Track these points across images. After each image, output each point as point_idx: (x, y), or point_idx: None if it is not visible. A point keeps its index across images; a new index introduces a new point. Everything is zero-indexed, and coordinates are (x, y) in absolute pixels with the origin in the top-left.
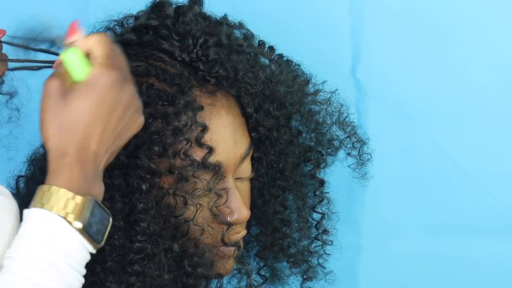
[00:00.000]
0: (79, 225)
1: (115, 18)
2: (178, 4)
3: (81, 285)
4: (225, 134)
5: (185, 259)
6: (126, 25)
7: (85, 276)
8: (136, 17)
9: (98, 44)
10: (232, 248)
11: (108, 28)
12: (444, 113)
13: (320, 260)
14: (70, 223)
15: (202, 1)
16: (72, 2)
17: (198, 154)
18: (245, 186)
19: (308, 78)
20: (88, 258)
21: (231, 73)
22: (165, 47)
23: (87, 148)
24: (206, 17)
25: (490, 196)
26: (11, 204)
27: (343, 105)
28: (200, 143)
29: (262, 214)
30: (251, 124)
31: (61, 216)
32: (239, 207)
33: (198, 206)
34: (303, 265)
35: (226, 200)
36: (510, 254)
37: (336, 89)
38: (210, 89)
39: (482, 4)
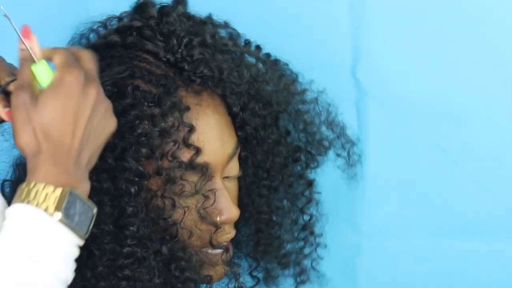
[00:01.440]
0: (59, 215)
1: (99, 20)
2: (162, 5)
3: (70, 279)
4: (212, 134)
5: (172, 262)
6: (109, 26)
7: (76, 282)
8: (120, 18)
9: (55, 53)
10: (220, 251)
11: (91, 30)
12: (444, 113)
13: (316, 262)
14: (51, 215)
15: (186, 1)
16: (72, 2)
17: (185, 155)
18: (233, 185)
19: (295, 77)
20: (76, 252)
21: (216, 72)
22: (150, 48)
23: (61, 144)
24: (190, 17)
25: (490, 196)
26: (1, 203)
27: (330, 104)
28: (187, 144)
29: (249, 214)
30: (238, 123)
31: (42, 209)
32: (228, 207)
33: (186, 208)
34: (296, 268)
35: (214, 201)
36: (510, 254)
37: (324, 89)
38: (195, 89)
39: (482, 4)
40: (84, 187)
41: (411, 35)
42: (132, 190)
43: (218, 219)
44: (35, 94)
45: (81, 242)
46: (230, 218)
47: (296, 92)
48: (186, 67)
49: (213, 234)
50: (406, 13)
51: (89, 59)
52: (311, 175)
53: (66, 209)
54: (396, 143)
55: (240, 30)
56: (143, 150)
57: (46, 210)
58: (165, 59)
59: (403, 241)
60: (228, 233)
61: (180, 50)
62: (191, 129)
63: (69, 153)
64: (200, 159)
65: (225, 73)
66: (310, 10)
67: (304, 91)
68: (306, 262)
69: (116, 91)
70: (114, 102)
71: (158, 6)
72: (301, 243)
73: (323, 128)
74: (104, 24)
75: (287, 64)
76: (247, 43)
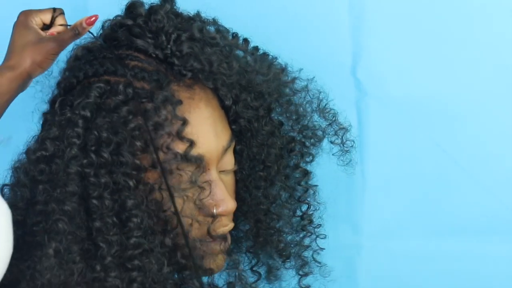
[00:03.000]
0: None
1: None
2: (151, 4)
3: None
4: (205, 127)
5: (177, 252)
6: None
7: (86, 275)
8: (113, 20)
9: None
10: (219, 242)
11: (89, 32)
12: (444, 113)
13: (317, 253)
14: None
15: (174, 0)
16: (72, 2)
17: (179, 147)
18: (229, 178)
19: (284, 66)
20: None
21: (206, 65)
22: (139, 45)
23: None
24: (178, 14)
25: (490, 196)
26: (4, 207)
27: (321, 91)
28: (181, 137)
29: (248, 208)
30: (231, 117)
31: None
32: (224, 198)
33: (185, 198)
34: (297, 261)
35: (210, 192)
36: (510, 254)
37: (314, 77)
38: (187, 83)
39: (482, 4)
40: None
41: (411, 35)
42: (131, 183)
43: (214, 211)
44: None
45: None
46: (227, 210)
47: (286, 81)
48: (176, 62)
49: (210, 225)
50: (406, 13)
51: None
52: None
53: None
54: (396, 143)
55: (239, 30)
56: (138, 144)
57: None
58: (155, 56)
59: (403, 241)
60: (225, 225)
61: (169, 46)
62: (184, 122)
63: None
64: (194, 151)
65: (215, 65)
66: (310, 10)
67: (294, 79)
68: (307, 254)
69: (109, 89)
70: (107, 99)
71: (146, 5)
72: (301, 235)
73: (316, 117)
74: (101, 26)
75: (276, 58)
76: (235, 36)
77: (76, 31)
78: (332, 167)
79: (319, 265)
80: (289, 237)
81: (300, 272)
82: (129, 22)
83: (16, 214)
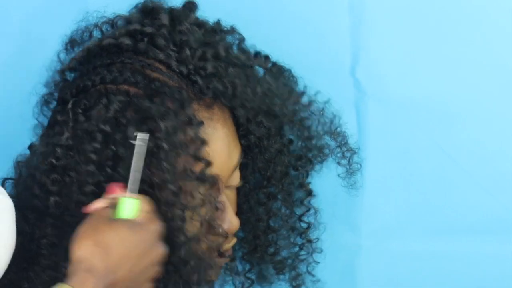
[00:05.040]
0: None
1: (106, 17)
2: (173, 10)
3: None
4: (220, 148)
5: (186, 266)
6: (116, 26)
7: None
8: (128, 20)
9: (144, 202)
10: (225, 258)
11: (96, 26)
12: (444, 113)
13: (312, 267)
14: None
15: (196, 6)
16: (73, 2)
17: (196, 167)
18: (233, 193)
19: (303, 90)
20: None
21: (229, 88)
22: (162, 58)
23: (114, 273)
24: (201, 25)
25: (490, 196)
26: (8, 202)
27: (335, 115)
28: (198, 157)
29: (247, 220)
30: (242, 132)
31: None
32: (230, 218)
33: (196, 217)
34: (291, 272)
35: (222, 212)
36: (510, 254)
37: (329, 99)
38: (207, 102)
39: (482, 4)
40: None
41: (410, 35)
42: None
43: (224, 230)
44: (111, 215)
45: None
46: (232, 229)
47: (304, 105)
48: (199, 81)
49: (222, 243)
50: (405, 13)
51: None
52: (310, 176)
53: None
54: (395, 143)
55: (239, 30)
56: (154, 161)
57: None
58: (177, 70)
59: (403, 242)
60: (229, 242)
61: (193, 62)
62: (203, 142)
63: (112, 284)
64: (209, 171)
65: (239, 89)
66: (310, 10)
67: (311, 103)
68: (302, 267)
69: (128, 101)
70: (125, 112)
71: (168, 10)
72: (297, 249)
73: (325, 137)
74: (111, 22)
75: (290, 70)
76: (257, 55)
77: None
78: (330, 168)
79: (313, 278)
80: (285, 252)
81: (293, 284)
82: (151, 30)
83: (22, 220)
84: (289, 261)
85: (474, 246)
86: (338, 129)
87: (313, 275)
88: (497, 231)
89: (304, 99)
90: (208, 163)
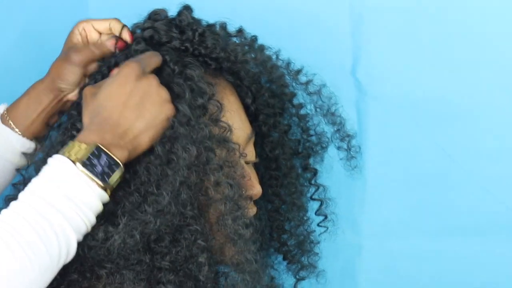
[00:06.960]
0: (80, 165)
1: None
2: (194, 23)
3: (84, 228)
4: (233, 113)
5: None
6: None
7: (144, 273)
8: (152, 37)
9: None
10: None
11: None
12: (444, 113)
13: (315, 258)
14: (74, 162)
15: (192, 11)
16: (73, 2)
17: (217, 131)
18: (252, 169)
19: (300, 68)
20: (98, 206)
21: (231, 55)
22: (189, 75)
23: (108, 120)
24: (218, 34)
25: (490, 196)
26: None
27: (331, 97)
28: (218, 121)
29: (258, 205)
30: (250, 116)
31: (69, 159)
32: (256, 182)
33: (226, 183)
34: (297, 264)
35: (248, 173)
36: (510, 254)
37: (325, 84)
38: (213, 74)
39: (482, 4)
40: (120, 154)
41: (411, 35)
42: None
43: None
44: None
45: (103, 195)
46: (256, 194)
47: (302, 82)
48: (203, 51)
49: (246, 210)
50: (406, 14)
51: (150, 56)
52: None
53: (89, 159)
54: (395, 143)
55: None
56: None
57: (73, 160)
58: (183, 48)
59: (403, 241)
60: (252, 208)
61: (195, 40)
62: (220, 108)
63: (114, 127)
64: (230, 136)
65: (239, 56)
66: (310, 10)
67: (309, 81)
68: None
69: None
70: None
71: (199, 29)
72: (308, 235)
73: (323, 121)
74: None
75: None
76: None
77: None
78: (331, 168)
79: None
80: (292, 241)
81: (297, 276)
82: (178, 44)
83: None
84: (295, 251)
85: (475, 246)
86: (337, 112)
87: (316, 267)
88: (497, 231)
89: (302, 79)
90: (229, 127)
